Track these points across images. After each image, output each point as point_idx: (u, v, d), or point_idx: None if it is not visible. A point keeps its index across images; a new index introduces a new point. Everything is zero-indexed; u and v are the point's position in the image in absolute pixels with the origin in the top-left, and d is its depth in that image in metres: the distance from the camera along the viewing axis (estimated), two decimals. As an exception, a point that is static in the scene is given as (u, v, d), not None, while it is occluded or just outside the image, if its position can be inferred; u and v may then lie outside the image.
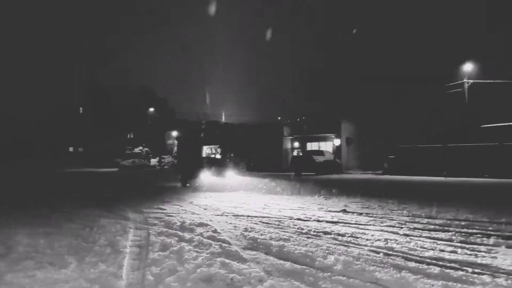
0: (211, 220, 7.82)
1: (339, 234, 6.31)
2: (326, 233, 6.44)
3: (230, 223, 7.55)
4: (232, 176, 16.46)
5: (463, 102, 29.22)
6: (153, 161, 45.55)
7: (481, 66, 29.74)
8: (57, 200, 11.85)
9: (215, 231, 6.61)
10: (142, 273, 4.34)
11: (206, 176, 15.37)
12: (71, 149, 61.32)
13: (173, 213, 8.93)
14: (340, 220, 7.75)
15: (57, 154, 54.99)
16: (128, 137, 59.21)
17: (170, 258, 4.87)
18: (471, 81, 29.05)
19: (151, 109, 56.05)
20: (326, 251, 5.17)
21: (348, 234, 6.34)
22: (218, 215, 8.71)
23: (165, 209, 9.58)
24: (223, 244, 5.57)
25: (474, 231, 6.54)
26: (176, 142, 47.87)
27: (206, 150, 41.73)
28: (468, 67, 29.23)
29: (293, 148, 36.55)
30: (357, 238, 6.06)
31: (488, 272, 4.28)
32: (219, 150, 39.95)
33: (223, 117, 58.36)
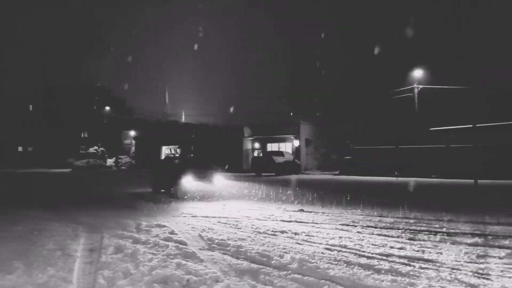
0: (168, 221, 7.70)
1: (295, 233, 6.43)
2: (283, 232, 6.53)
3: (188, 224, 7.47)
4: (220, 180, 13.26)
5: (413, 106, 30.73)
6: (110, 161, 44.06)
7: (431, 72, 31.46)
8: (0, 203, 11.16)
9: (172, 232, 6.51)
10: (93, 277, 4.19)
11: (188, 181, 12.17)
12: (20, 148, 57.95)
13: (129, 215, 8.69)
14: (298, 219, 7.90)
15: (4, 154, 51.70)
16: (82, 136, 56.87)
17: (124, 261, 4.74)
18: (421, 86, 30.64)
19: (107, 108, 54.14)
20: (283, 250, 5.24)
21: (304, 232, 6.47)
22: (176, 216, 8.59)
23: (120, 211, 9.31)
24: (180, 245, 5.50)
25: (422, 228, 6.90)
26: (134, 142, 46.62)
27: (165, 150, 40.96)
28: (418, 73, 30.80)
29: (253, 149, 36.72)
30: (313, 236, 6.20)
31: (434, 267, 4.52)
32: (178, 150, 39.34)
33: (183, 117, 57.49)
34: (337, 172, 28.11)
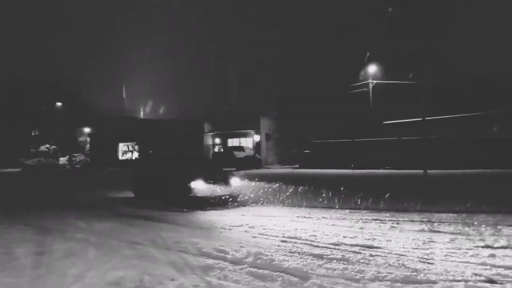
0: (122, 221, 7.52)
1: (252, 227, 6.50)
2: (240, 226, 6.59)
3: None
4: (236, 182, 11.04)
5: (368, 101, 31.91)
6: (62, 160, 42.09)
7: (384, 67, 32.76)
8: None
9: (126, 232, 6.37)
10: (43, 281, 4.03)
11: (199, 184, 9.79)
12: (-40, 148, 53.98)
13: (83, 217, 8.37)
14: (255, 213, 7.99)
15: None
16: (33, 134, 53.90)
17: (75, 264, 4.58)
18: (375, 81, 31.84)
19: (59, 104, 51.61)
20: (239, 244, 5.30)
21: (261, 226, 6.56)
22: (132, 216, 8.39)
23: (74, 213, 8.96)
24: (135, 245, 5.40)
25: (373, 218, 7.21)
26: (88, 139, 44.86)
27: (122, 147, 39.81)
28: (372, 68, 32.01)
29: (214, 144, 36.55)
30: (270, 229, 6.31)
31: (383, 254, 4.76)
32: (136, 147, 38.39)
33: (142, 112, 55.97)
34: (296, 166, 28.61)
